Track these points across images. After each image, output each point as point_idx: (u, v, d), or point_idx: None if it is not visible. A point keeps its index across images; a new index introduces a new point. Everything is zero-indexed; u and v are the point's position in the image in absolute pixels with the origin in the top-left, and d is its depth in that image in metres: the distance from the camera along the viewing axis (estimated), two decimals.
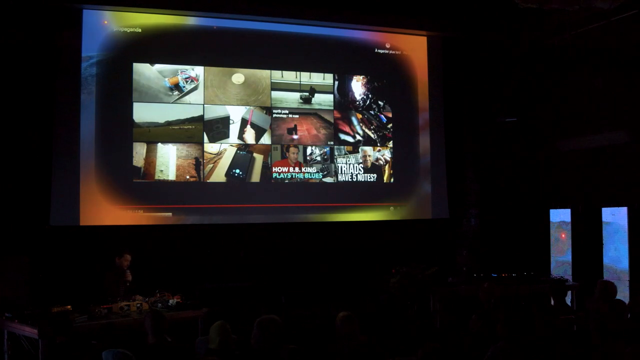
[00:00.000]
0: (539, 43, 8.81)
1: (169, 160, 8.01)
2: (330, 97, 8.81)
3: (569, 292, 7.85)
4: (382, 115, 9.12)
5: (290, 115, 8.60)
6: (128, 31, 7.90)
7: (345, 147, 8.86)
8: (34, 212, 7.34)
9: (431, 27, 9.27)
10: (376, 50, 9.11)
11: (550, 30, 8.45)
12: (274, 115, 8.52)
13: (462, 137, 9.56)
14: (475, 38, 9.21)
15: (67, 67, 7.58)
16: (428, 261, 8.09)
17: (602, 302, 5.73)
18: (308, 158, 8.67)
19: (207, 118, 8.17)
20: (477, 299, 6.52)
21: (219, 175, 8.21)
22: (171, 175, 8.01)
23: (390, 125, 9.13)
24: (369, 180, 8.94)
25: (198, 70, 8.18)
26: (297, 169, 8.58)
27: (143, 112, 7.91)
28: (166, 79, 8.05)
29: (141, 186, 7.87)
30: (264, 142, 8.45)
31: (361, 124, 8.98)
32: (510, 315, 4.68)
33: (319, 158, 8.72)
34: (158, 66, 8.03)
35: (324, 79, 8.79)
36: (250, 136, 8.38)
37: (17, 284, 6.78)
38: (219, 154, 8.22)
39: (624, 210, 8.48)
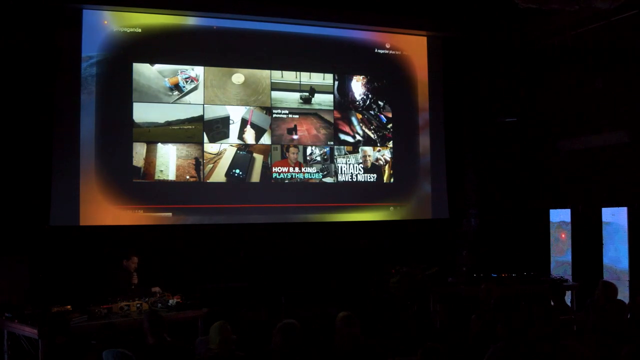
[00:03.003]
0: (539, 43, 8.81)
1: (169, 160, 8.01)
2: (330, 97, 8.81)
3: (569, 292, 7.85)
4: (382, 115, 9.12)
5: (290, 115, 8.60)
6: (128, 31, 7.90)
7: (345, 147, 8.86)
8: (34, 212, 7.34)
9: (431, 27, 9.27)
10: (376, 50, 9.11)
11: (550, 30, 8.46)
12: (274, 115, 8.52)
13: (462, 137, 9.57)
14: (475, 38, 9.21)
15: (67, 67, 7.58)
16: (428, 261, 8.10)
17: (603, 302, 5.73)
18: (308, 158, 8.67)
19: (207, 118, 8.17)
20: (477, 299, 6.52)
21: (219, 175, 8.21)
22: (171, 175, 8.01)
23: (390, 125, 9.13)
24: (369, 180, 8.94)
25: (198, 70, 8.18)
26: (297, 169, 8.57)
27: (143, 112, 7.91)
28: (166, 79, 8.05)
29: (141, 186, 7.87)
30: (264, 142, 8.45)
31: (361, 124, 8.98)
32: (510, 315, 4.68)
33: (319, 158, 8.72)
34: (158, 66, 8.03)
35: (324, 79, 8.79)
36: (250, 136, 8.38)
37: (17, 284, 6.78)
38: (219, 154, 8.22)
39: (624, 210, 8.48)
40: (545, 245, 9.44)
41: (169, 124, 8.01)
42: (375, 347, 4.42)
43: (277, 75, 8.57)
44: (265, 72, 8.50)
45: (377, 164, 9.02)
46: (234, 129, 8.30)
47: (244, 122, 8.36)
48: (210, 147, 8.18)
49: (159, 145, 7.97)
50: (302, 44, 8.70)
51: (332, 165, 8.78)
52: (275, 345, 4.19)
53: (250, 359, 4.33)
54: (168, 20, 8.11)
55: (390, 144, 9.11)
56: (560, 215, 9.36)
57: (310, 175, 8.66)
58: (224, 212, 8.26)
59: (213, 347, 4.28)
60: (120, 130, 7.82)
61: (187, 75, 8.14)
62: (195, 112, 8.13)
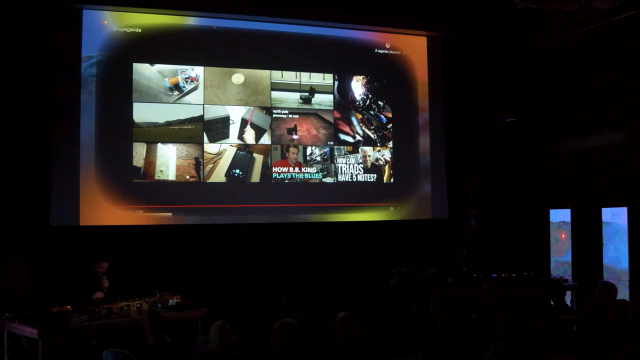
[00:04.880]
0: (538, 43, 8.81)
1: (169, 160, 8.01)
2: (330, 97, 8.81)
3: (569, 292, 7.85)
4: (382, 115, 9.12)
5: (290, 116, 8.60)
6: (128, 31, 7.90)
7: (345, 147, 8.86)
8: (34, 212, 7.33)
9: (431, 27, 9.27)
10: (376, 50, 9.11)
11: (550, 30, 8.46)
12: (274, 115, 8.52)
13: (462, 137, 9.56)
14: (475, 38, 9.20)
15: (67, 67, 7.56)
16: (428, 261, 8.10)
17: (603, 302, 5.73)
18: (308, 158, 8.66)
19: (207, 118, 8.17)
20: (477, 299, 6.52)
21: (219, 175, 8.20)
22: (171, 175, 8.00)
23: (390, 125, 9.13)
24: (368, 180, 8.94)
25: (198, 70, 8.18)
26: (297, 169, 8.57)
27: (143, 112, 7.91)
28: (166, 79, 8.04)
29: (141, 186, 7.86)
30: (263, 142, 8.45)
31: (361, 124, 8.98)
32: (510, 315, 4.69)
33: (318, 158, 8.72)
34: (158, 66, 8.02)
35: (324, 79, 8.79)
36: (250, 136, 8.38)
37: (17, 284, 6.78)
38: (218, 154, 8.22)
39: (624, 211, 8.48)
40: (545, 246, 9.45)
41: (169, 124, 8.01)
42: (375, 347, 4.43)
43: (277, 75, 8.56)
44: (265, 72, 8.50)
45: (377, 164, 9.02)
46: (234, 129, 8.30)
47: (244, 122, 8.36)
48: (210, 147, 8.18)
49: (159, 145, 7.97)
50: (302, 44, 8.70)
51: (332, 165, 8.77)
52: (274, 345, 4.19)
53: (250, 359, 4.33)
54: (168, 20, 8.11)
55: (390, 144, 9.11)
56: (560, 215, 9.37)
57: (310, 175, 8.66)
58: (224, 212, 8.25)
59: (213, 346, 4.29)
60: (120, 131, 7.81)
61: (187, 75, 8.13)
62: (195, 112, 8.13)
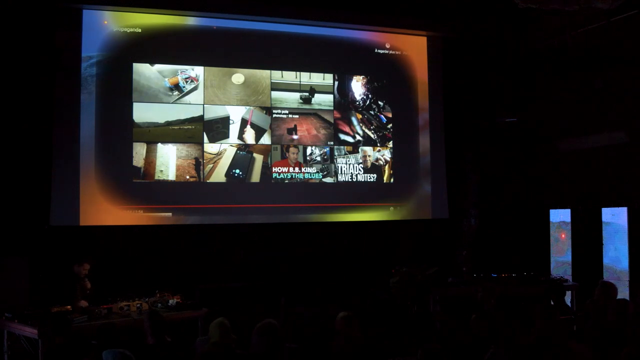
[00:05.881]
0: (538, 43, 8.81)
1: (169, 160, 8.01)
2: (330, 97, 8.81)
3: (569, 292, 7.85)
4: (382, 115, 9.12)
5: (290, 116, 8.60)
6: (128, 31, 7.90)
7: (345, 147, 8.86)
8: (34, 212, 7.34)
9: (431, 27, 9.27)
10: (376, 50, 9.11)
11: (550, 30, 8.46)
12: (274, 115, 8.52)
13: (462, 137, 9.56)
14: (475, 38, 9.20)
15: (67, 67, 7.57)
16: (428, 261, 8.09)
17: (603, 302, 5.73)
18: (308, 158, 8.66)
19: (207, 118, 8.17)
20: (477, 299, 6.52)
21: (218, 175, 8.21)
22: (171, 176, 8.00)
23: (390, 126, 9.13)
24: (368, 180, 8.94)
25: (198, 70, 8.18)
26: (297, 169, 8.57)
27: (143, 112, 7.91)
28: (166, 79, 8.04)
29: (141, 186, 7.86)
30: (263, 142, 8.45)
31: (361, 124, 8.98)
32: (510, 315, 4.69)
33: (318, 158, 8.72)
34: (158, 66, 8.02)
35: (324, 79, 8.79)
36: (250, 136, 8.38)
37: (17, 284, 6.77)
38: (218, 154, 8.22)
39: (624, 211, 8.48)
40: (545, 246, 9.44)
41: (169, 124, 8.01)
42: (375, 347, 4.42)
43: (277, 75, 8.57)
44: (265, 72, 8.50)
45: (377, 164, 9.02)
46: (234, 129, 8.30)
47: (244, 122, 8.36)
48: (210, 147, 8.18)
49: (159, 145, 7.97)
50: (302, 44, 8.70)
51: (332, 165, 8.77)
52: (255, 347, 4.13)
53: (247, 358, 4.32)
54: (168, 20, 8.11)
55: (390, 144, 9.11)
56: (560, 215, 9.37)
57: (310, 175, 8.66)
58: (224, 212, 8.26)
59: (213, 341, 4.28)
60: (120, 131, 7.81)
61: (187, 75, 8.13)
62: (195, 112, 8.13)
